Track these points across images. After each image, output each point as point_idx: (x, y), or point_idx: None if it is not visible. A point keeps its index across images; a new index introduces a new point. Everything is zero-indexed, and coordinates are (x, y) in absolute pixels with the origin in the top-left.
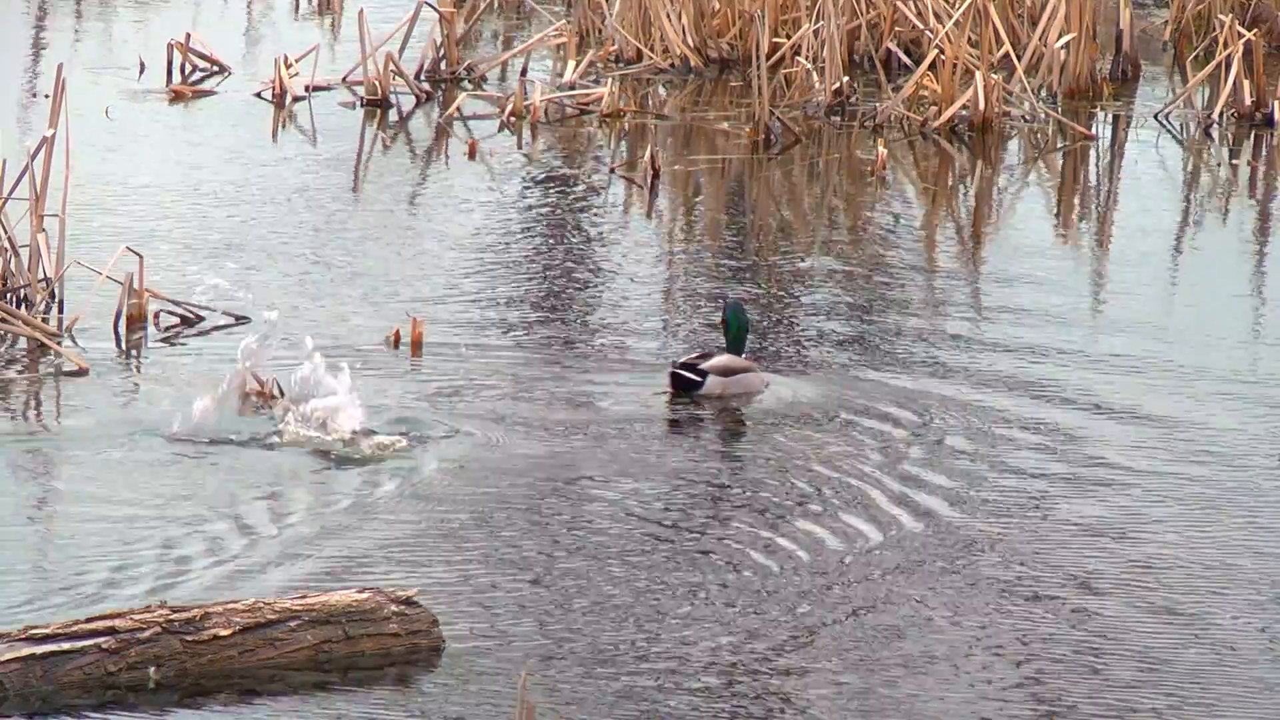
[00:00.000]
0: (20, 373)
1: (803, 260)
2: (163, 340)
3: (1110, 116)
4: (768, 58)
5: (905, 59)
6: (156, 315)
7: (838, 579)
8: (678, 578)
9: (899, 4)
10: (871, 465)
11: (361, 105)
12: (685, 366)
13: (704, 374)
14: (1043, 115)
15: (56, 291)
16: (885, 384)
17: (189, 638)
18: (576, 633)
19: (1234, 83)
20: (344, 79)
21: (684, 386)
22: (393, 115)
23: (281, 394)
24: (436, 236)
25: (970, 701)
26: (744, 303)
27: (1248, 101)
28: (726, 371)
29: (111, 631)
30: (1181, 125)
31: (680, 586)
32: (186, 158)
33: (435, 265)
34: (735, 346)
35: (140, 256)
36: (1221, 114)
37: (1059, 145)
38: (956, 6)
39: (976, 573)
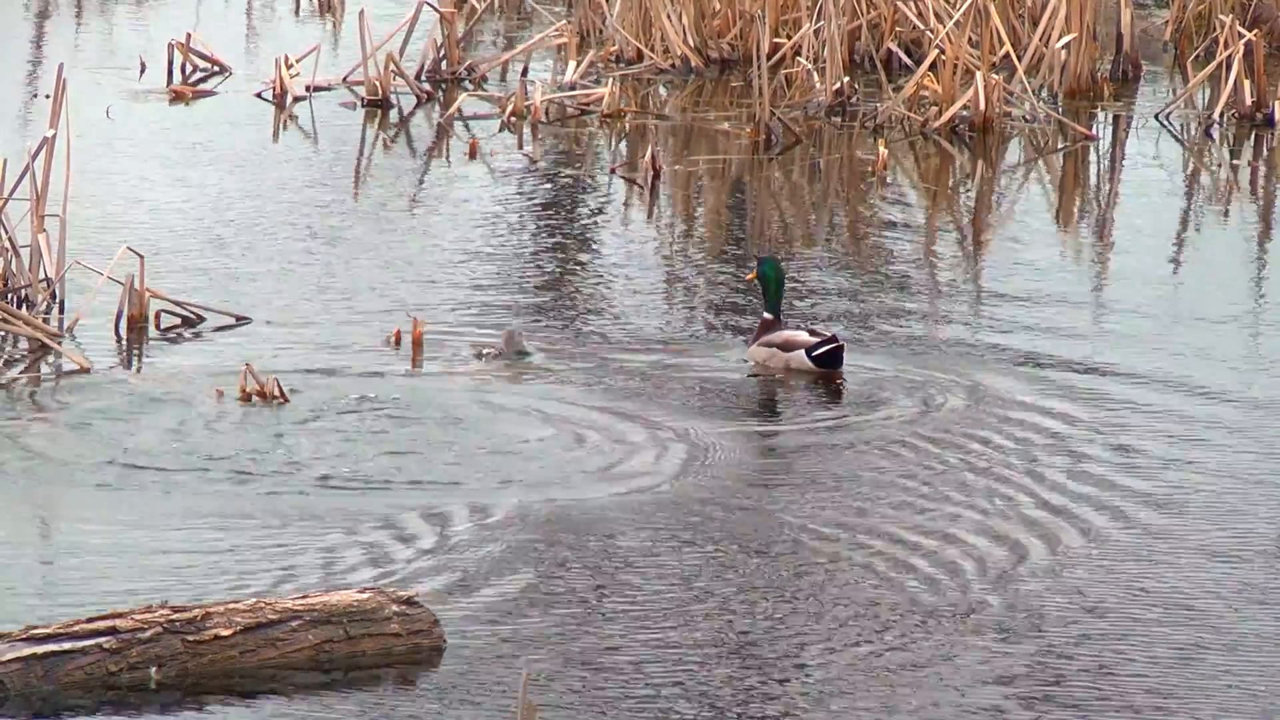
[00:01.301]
0: (21, 373)
1: (803, 260)
2: (164, 340)
3: (1111, 117)
4: (768, 58)
5: (906, 59)
6: (157, 315)
7: (851, 580)
8: (683, 577)
9: (900, 4)
10: (891, 473)
11: (362, 105)
12: (840, 344)
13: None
14: (1043, 115)
15: (58, 292)
16: (886, 383)
17: (190, 638)
18: (578, 633)
19: (1234, 83)
20: (345, 79)
21: (833, 365)
22: (393, 115)
23: (282, 394)
24: (437, 236)
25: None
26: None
27: (1248, 102)
28: None
29: (113, 631)
30: (1182, 125)
31: (685, 586)
32: (187, 158)
33: (435, 265)
34: (777, 304)
35: (141, 257)
36: (1222, 114)
37: (1060, 145)
38: (957, 7)
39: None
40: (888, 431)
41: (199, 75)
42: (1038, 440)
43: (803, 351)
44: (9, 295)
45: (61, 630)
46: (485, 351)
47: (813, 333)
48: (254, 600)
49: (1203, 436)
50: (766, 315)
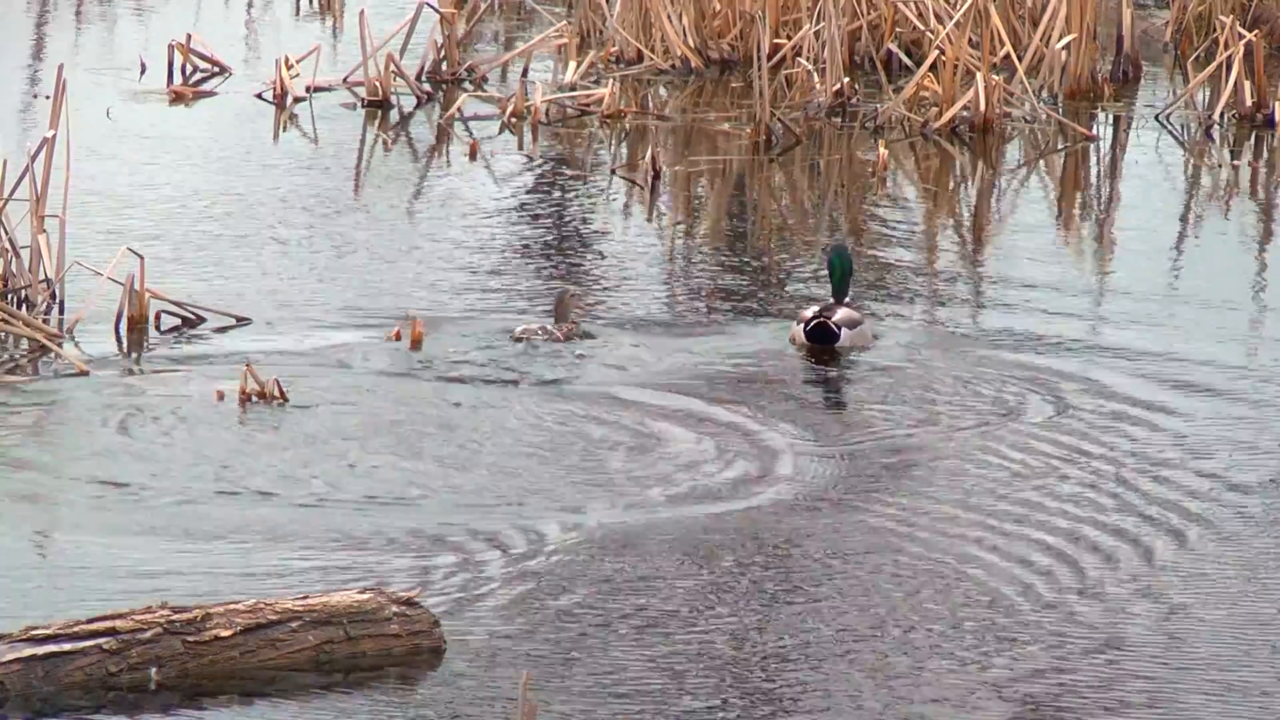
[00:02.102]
0: (21, 374)
1: (804, 259)
2: (164, 341)
3: (1111, 117)
4: (769, 58)
5: (906, 60)
6: (157, 316)
7: (851, 575)
8: (692, 580)
9: (900, 5)
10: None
11: (362, 106)
12: (823, 320)
13: (839, 328)
14: (1044, 116)
15: (57, 292)
16: (886, 379)
17: (190, 638)
18: (579, 633)
19: (1235, 83)
20: (345, 80)
21: (822, 340)
22: (394, 116)
23: (282, 394)
24: (437, 237)
25: None
26: (846, 247)
27: (1249, 102)
28: (850, 324)
29: (113, 632)
30: (1182, 126)
31: (687, 584)
32: (187, 158)
33: (435, 265)
34: (841, 290)
35: (141, 257)
36: (1222, 115)
37: (1060, 146)
38: (957, 7)
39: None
40: (895, 431)
41: (199, 75)
42: (1058, 441)
43: (801, 326)
44: (9, 295)
45: (61, 631)
46: (523, 333)
47: (823, 307)
48: (254, 601)
49: (1213, 432)
50: (830, 301)
